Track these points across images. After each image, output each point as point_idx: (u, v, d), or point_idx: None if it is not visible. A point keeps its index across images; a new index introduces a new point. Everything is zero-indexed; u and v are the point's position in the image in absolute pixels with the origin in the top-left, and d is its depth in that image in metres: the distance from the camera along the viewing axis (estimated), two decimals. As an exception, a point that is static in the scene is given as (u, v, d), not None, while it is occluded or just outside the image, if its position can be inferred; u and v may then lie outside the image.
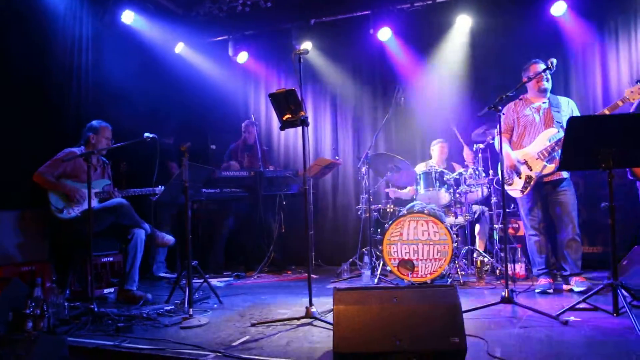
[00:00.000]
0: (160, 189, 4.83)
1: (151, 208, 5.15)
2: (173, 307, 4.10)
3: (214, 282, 5.52)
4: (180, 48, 7.43)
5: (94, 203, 4.61)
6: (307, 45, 7.05)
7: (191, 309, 3.83)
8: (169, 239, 4.91)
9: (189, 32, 7.38)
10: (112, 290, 5.05)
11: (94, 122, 4.87)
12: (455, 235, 4.98)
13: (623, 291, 3.34)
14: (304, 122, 3.52)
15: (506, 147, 4.62)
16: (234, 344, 3.09)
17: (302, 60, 3.75)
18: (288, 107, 3.53)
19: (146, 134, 4.30)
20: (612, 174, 3.38)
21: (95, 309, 3.68)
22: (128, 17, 6.67)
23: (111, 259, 5.15)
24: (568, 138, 3.38)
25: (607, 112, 4.06)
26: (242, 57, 7.57)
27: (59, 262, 4.77)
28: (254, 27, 7.48)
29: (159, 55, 7.18)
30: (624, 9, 6.03)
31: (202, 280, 4.67)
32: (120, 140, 4.57)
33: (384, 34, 6.83)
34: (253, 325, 3.54)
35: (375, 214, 5.73)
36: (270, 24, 7.39)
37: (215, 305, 4.34)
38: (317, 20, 7.21)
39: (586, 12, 6.13)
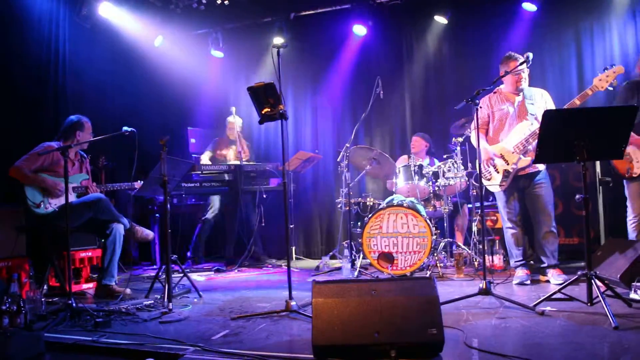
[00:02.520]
0: (139, 183, 4.80)
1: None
2: (152, 301, 4.08)
3: (194, 276, 5.50)
4: (159, 41, 7.35)
5: (72, 198, 4.56)
6: (287, 39, 7.04)
7: (170, 304, 3.82)
8: (148, 233, 4.88)
9: (168, 25, 7.30)
10: (90, 285, 5.01)
11: (74, 117, 4.78)
12: (434, 228, 5.02)
13: (597, 281, 3.40)
14: (282, 116, 3.52)
15: (483, 143, 4.65)
16: (214, 337, 3.08)
17: (281, 54, 3.74)
18: (267, 100, 3.52)
19: (125, 128, 4.26)
20: (586, 166, 3.43)
21: (73, 305, 3.63)
22: (106, 9, 6.57)
23: (90, 253, 5.10)
24: (543, 131, 3.43)
25: (577, 101, 4.11)
26: (222, 50, 7.52)
27: (36, 257, 4.70)
28: (234, 20, 7.44)
29: (138, 48, 7.11)
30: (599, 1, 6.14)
31: (182, 275, 4.65)
32: (99, 135, 4.52)
33: (364, 27, 6.84)
34: (233, 319, 3.53)
35: (355, 207, 5.76)
36: (250, 17, 7.36)
37: (195, 300, 4.32)
38: (297, 13, 7.20)
39: (561, 5, 6.22)
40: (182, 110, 7.55)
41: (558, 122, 3.44)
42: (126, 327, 3.40)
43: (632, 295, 3.68)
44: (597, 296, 3.29)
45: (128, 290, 4.48)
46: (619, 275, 3.98)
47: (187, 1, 7.13)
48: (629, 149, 4.48)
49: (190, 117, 7.58)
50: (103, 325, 3.37)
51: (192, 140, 7.33)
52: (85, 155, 5.00)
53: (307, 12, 7.20)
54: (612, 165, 4.65)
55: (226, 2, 6.98)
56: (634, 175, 4.49)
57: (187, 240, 6.63)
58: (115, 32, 6.82)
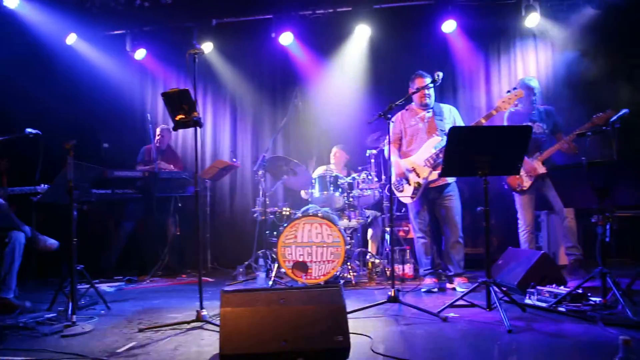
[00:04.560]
0: (43, 187, 4.55)
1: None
2: (55, 314, 3.88)
3: (104, 287, 5.31)
4: (72, 39, 7.02)
5: (-34, 204, 4.25)
6: (208, 45, 6.97)
7: (74, 316, 3.65)
8: (52, 242, 4.62)
9: (82, 23, 6.98)
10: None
11: None
12: (348, 238, 5.13)
13: (495, 288, 3.63)
14: (197, 123, 3.49)
15: (395, 157, 4.86)
16: (119, 350, 3.00)
17: (201, 61, 3.73)
18: (181, 107, 3.48)
19: (28, 130, 4.05)
20: (487, 180, 3.66)
21: (-37, 319, 3.39)
22: (12, 1, 6.21)
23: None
24: (449, 147, 3.63)
25: (483, 120, 4.40)
26: (140, 53, 7.29)
27: None
28: (154, 23, 7.23)
29: (47, 45, 6.75)
30: (506, 28, 6.59)
31: (88, 286, 4.45)
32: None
33: (286, 38, 6.90)
34: (141, 330, 3.45)
35: (271, 216, 5.77)
36: (171, 21, 7.19)
37: (103, 312, 4.17)
38: (219, 21, 7.12)
39: (473, 30, 6.62)
40: (97, 112, 7.23)
41: (463, 139, 3.65)
42: (24, 343, 3.22)
43: (527, 301, 3.95)
44: (495, 302, 3.51)
45: (28, 303, 4.22)
46: (516, 282, 4.25)
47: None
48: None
49: (105, 120, 7.29)
50: (-3, 340, 3.16)
51: (105, 145, 7.05)
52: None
53: (230, 20, 7.15)
54: (505, 180, 5.04)
55: (146, 4, 6.81)
56: (524, 189, 4.88)
57: (97, 250, 6.35)
58: (22, 27, 6.45)
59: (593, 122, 4.58)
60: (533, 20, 6.22)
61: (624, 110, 4.16)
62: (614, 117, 4.18)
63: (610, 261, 3.81)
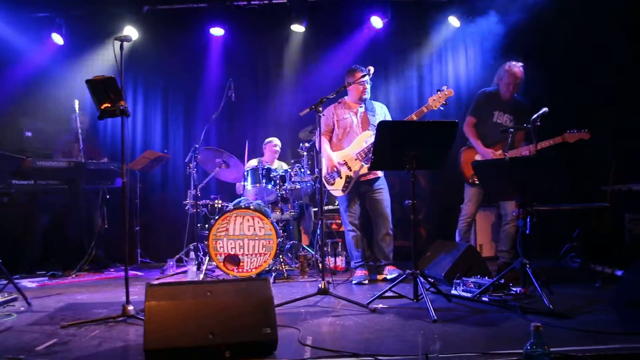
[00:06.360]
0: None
1: None
2: (-32, 312, 3.67)
3: (25, 282, 5.08)
4: (-11, 20, 6.61)
5: None
6: (139, 32, 6.74)
7: (-11, 313, 3.48)
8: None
9: (3, 3, 6.58)
10: None
11: None
12: (281, 231, 5.14)
13: (421, 279, 3.75)
14: (123, 112, 3.39)
15: (328, 150, 4.89)
16: (38, 348, 2.88)
17: (132, 49, 3.62)
18: (107, 95, 3.36)
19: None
20: (415, 174, 3.77)
21: None
22: None
23: None
24: (378, 141, 3.70)
25: (414, 117, 4.51)
26: (65, 38, 6.96)
27: None
28: (81, 7, 6.91)
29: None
30: (436, 27, 6.78)
31: (6, 282, 4.24)
32: None
33: (218, 30, 6.80)
34: (63, 327, 3.33)
35: (203, 209, 5.69)
36: (100, 5, 6.89)
37: (22, 308, 3.98)
38: (152, 7, 6.90)
39: (405, 27, 6.80)
40: (19, 99, 6.83)
41: (391, 133, 3.73)
42: None
43: (453, 291, 4.11)
44: (422, 293, 3.63)
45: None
46: (443, 274, 4.41)
47: (25, -22, 6.50)
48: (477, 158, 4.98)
49: (28, 107, 6.90)
50: None
51: (28, 134, 6.68)
52: None
53: (163, 7, 6.93)
54: (460, 169, 5.10)
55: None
56: (476, 182, 4.98)
57: (18, 243, 6.03)
58: None
59: (563, 137, 4.61)
60: (458, 21, 6.46)
61: (543, 109, 4.38)
62: (535, 116, 4.40)
63: (530, 252, 3.99)
